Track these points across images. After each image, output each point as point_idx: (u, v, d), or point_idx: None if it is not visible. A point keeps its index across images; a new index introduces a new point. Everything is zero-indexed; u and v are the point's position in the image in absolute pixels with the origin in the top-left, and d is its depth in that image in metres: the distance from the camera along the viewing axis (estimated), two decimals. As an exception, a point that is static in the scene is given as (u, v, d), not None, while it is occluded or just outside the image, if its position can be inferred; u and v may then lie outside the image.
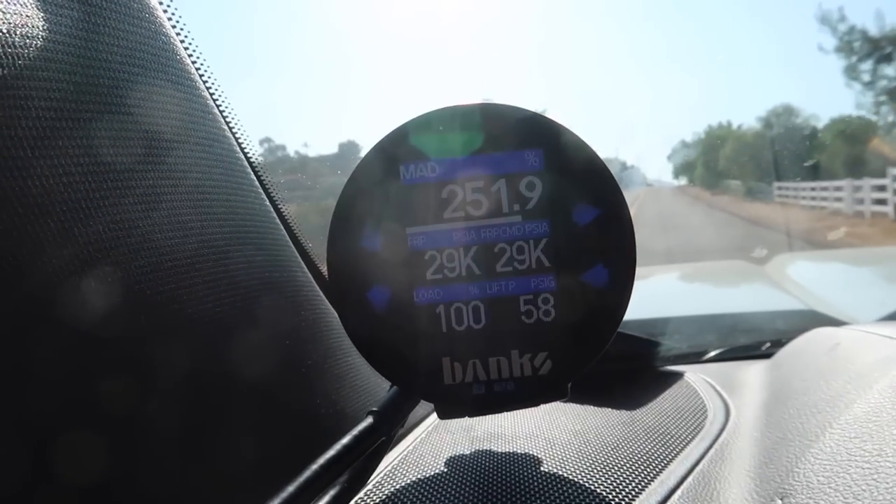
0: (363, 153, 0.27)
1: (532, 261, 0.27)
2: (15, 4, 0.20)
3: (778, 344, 0.55)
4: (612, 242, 0.27)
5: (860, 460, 0.23)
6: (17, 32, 0.19)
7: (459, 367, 0.27)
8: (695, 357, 0.59)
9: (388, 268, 0.27)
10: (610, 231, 0.27)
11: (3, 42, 0.19)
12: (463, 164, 0.27)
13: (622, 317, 0.27)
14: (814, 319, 0.66)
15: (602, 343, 0.27)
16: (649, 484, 0.29)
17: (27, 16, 0.20)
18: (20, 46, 0.19)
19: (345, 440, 0.26)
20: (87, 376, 0.21)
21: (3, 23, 0.19)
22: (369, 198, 0.27)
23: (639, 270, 0.27)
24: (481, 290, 0.27)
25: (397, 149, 0.27)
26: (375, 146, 0.27)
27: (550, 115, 0.27)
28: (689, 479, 0.30)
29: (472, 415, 0.29)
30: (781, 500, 0.24)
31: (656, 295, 1.06)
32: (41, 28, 0.20)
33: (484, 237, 0.27)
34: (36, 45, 0.20)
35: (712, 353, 0.60)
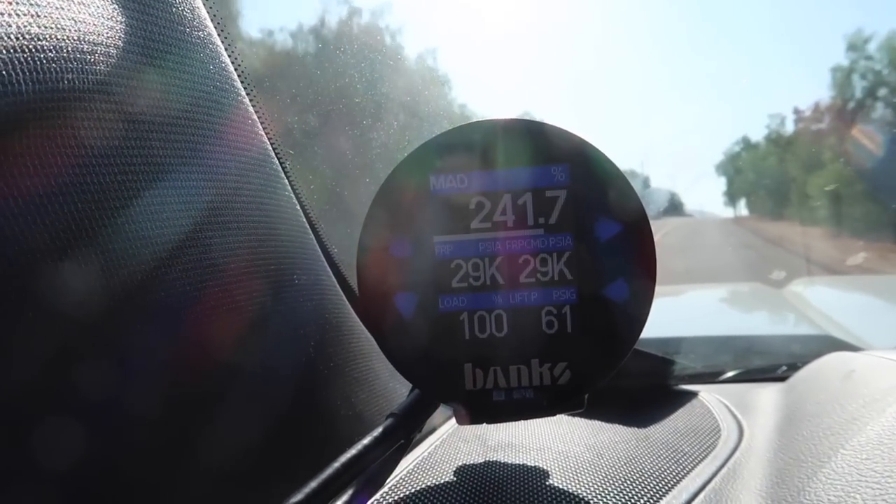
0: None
1: (555, 273, 0.28)
2: (85, 13, 0.21)
3: (793, 367, 0.55)
4: (634, 258, 0.28)
5: (870, 481, 0.23)
6: (87, 39, 0.20)
7: (481, 374, 0.28)
8: (710, 377, 0.59)
9: (415, 275, 0.28)
10: (632, 247, 0.28)
11: (77, 49, 0.20)
12: (490, 177, 0.28)
13: (641, 331, 0.28)
14: (830, 344, 0.66)
15: (620, 356, 0.28)
16: (660, 500, 0.29)
17: (95, 24, 0.21)
18: (89, 53, 0.20)
19: (366, 440, 0.26)
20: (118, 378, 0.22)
21: (74, 31, 0.20)
22: (399, 206, 0.28)
23: (658, 289, 0.28)
24: (504, 299, 0.28)
25: (427, 160, 0.28)
26: (406, 157, 0.28)
27: (575, 130, 0.28)
28: (701, 496, 0.30)
29: (490, 421, 0.29)
30: None
31: (674, 314, 1.06)
32: (106, 35, 0.21)
33: (509, 248, 0.28)
34: (101, 51, 0.21)
35: (727, 374, 0.59)
